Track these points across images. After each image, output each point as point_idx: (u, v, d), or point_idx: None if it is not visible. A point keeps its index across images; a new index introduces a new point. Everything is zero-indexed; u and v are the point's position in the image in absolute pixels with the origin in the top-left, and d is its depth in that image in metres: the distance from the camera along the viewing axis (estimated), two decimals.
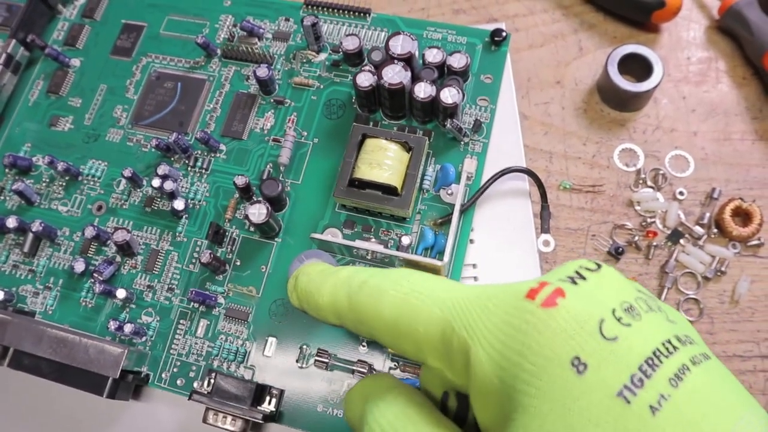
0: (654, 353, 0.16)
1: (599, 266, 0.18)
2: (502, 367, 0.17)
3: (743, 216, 0.37)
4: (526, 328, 0.17)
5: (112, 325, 0.34)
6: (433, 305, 0.20)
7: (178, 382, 0.34)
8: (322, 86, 0.39)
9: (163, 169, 0.37)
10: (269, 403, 0.32)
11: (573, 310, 0.17)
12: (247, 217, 0.33)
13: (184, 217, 0.37)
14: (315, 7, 0.41)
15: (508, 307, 0.18)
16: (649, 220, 0.38)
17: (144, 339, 0.35)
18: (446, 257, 0.32)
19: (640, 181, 0.39)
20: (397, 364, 0.32)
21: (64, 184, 0.39)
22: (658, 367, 0.16)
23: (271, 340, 0.34)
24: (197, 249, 0.36)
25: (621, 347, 0.16)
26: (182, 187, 0.38)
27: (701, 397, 0.16)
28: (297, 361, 0.33)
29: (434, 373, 0.22)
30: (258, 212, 0.33)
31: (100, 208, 0.38)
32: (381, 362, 0.32)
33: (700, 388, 0.16)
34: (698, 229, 0.37)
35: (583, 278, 0.18)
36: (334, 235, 0.35)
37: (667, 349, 0.16)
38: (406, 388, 0.22)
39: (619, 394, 0.16)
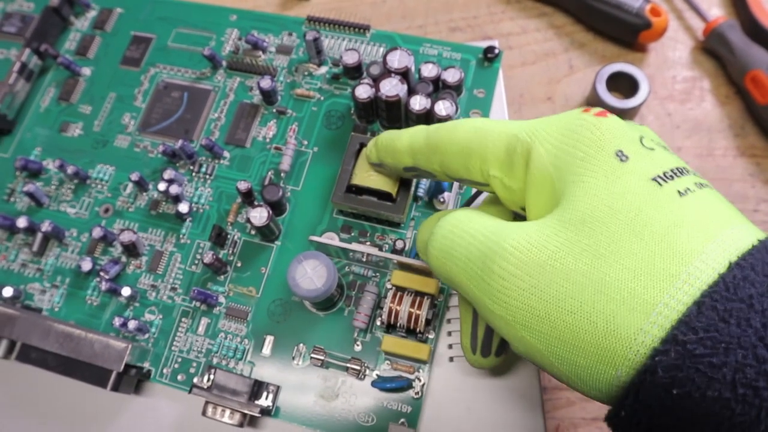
0: (681, 166, 0.21)
1: None
2: (557, 156, 0.22)
3: None
4: (580, 129, 0.22)
5: (117, 322, 0.35)
6: (502, 126, 0.25)
7: (179, 377, 0.35)
8: (322, 98, 0.41)
9: (169, 174, 0.38)
10: (266, 398, 0.33)
11: (619, 122, 0.22)
12: (248, 220, 0.35)
13: (188, 220, 0.39)
14: (317, 23, 0.43)
15: (566, 117, 0.23)
16: None
17: (147, 336, 0.36)
18: None
19: None
20: (390, 362, 0.34)
21: (73, 187, 0.41)
22: (684, 175, 0.20)
23: (269, 338, 0.35)
24: (200, 250, 0.38)
25: (656, 155, 0.21)
26: (187, 191, 0.39)
27: (717, 200, 0.20)
28: (293, 359, 0.34)
29: (492, 207, 0.27)
30: (259, 215, 0.35)
31: (107, 210, 0.40)
32: (374, 361, 0.34)
33: (716, 196, 0.20)
34: None
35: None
36: (331, 238, 0.36)
37: (689, 169, 0.21)
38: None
39: (653, 179, 0.20)
